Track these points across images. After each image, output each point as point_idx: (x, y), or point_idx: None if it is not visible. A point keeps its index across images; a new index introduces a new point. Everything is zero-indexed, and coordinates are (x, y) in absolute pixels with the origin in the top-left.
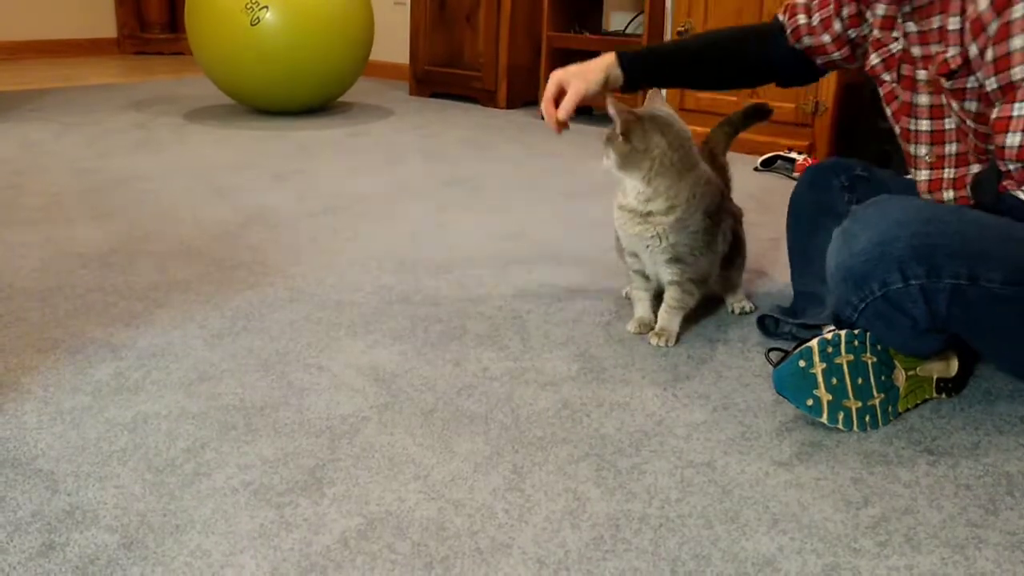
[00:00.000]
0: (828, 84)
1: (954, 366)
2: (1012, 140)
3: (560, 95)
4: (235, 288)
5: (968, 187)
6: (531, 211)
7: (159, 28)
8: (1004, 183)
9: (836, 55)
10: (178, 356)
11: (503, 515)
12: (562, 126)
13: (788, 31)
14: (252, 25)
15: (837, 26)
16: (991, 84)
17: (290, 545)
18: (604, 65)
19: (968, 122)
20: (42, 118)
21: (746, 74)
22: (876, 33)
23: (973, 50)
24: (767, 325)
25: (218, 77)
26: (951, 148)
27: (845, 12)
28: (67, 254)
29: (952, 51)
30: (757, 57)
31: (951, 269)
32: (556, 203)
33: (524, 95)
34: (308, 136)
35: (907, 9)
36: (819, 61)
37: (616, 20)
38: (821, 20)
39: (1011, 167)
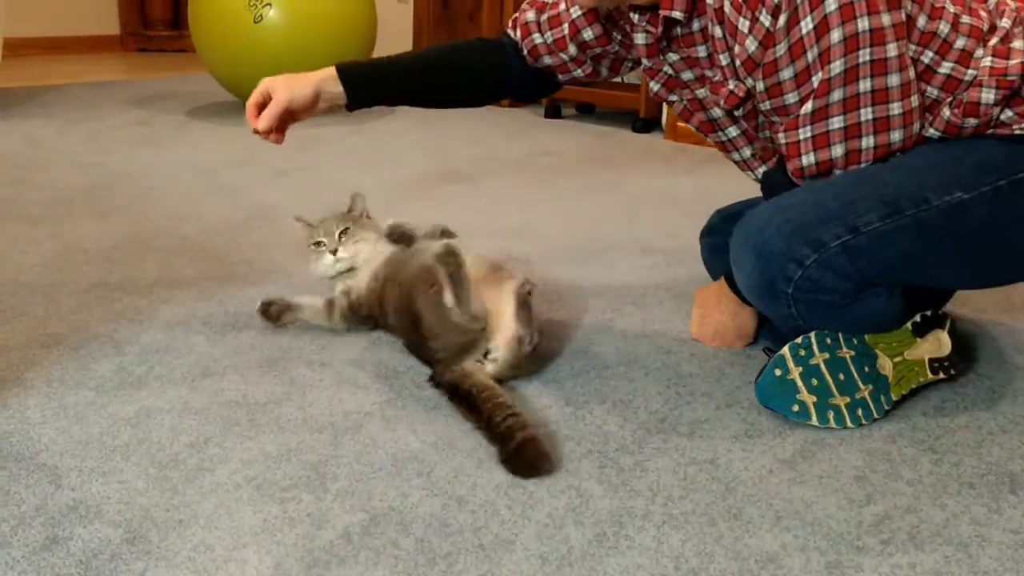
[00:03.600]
0: None
1: (946, 343)
2: (808, 160)
3: (264, 103)
4: (238, 285)
5: (762, 187)
6: (532, 208)
7: (162, 25)
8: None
9: (578, 72)
10: (181, 352)
11: (506, 511)
12: (268, 136)
13: (525, 51)
14: (255, 22)
15: (572, 49)
16: (765, 106)
17: (293, 540)
18: (317, 79)
19: (762, 133)
20: (45, 114)
21: (481, 90)
22: (646, 62)
23: (749, 82)
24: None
25: (221, 74)
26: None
27: (588, 35)
28: (70, 250)
29: (732, 84)
30: (493, 72)
31: (830, 233)
32: (557, 200)
33: None
34: (310, 133)
35: (663, 44)
36: (561, 78)
37: None
38: (555, 40)
39: (808, 181)
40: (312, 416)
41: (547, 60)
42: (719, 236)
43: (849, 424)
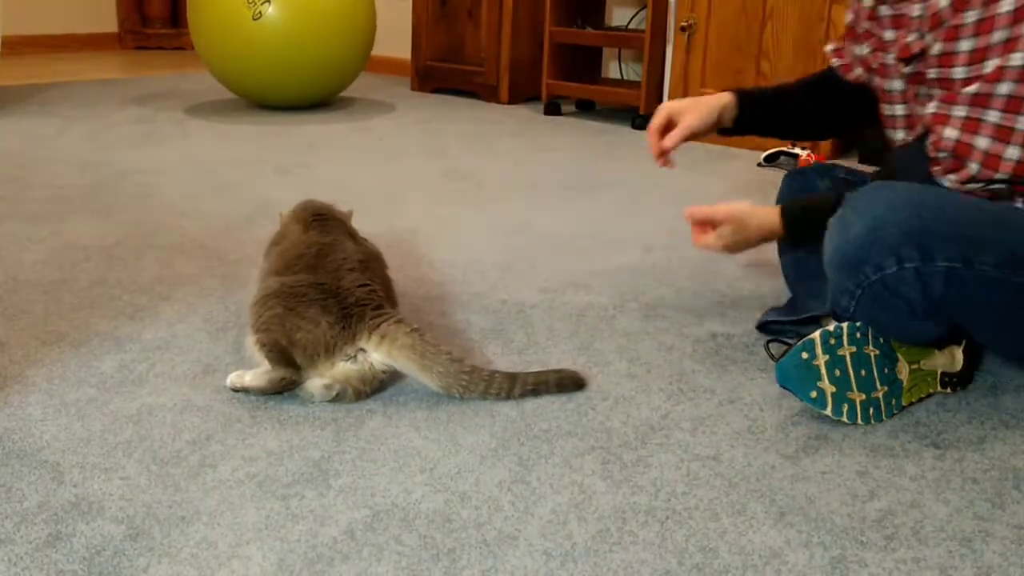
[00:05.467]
0: None
1: (959, 360)
2: (950, 133)
3: (668, 127)
4: (239, 282)
5: (894, 167)
6: (533, 205)
7: (160, 23)
8: (933, 168)
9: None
10: (182, 349)
11: (509, 507)
12: (666, 158)
13: (837, 66)
14: (254, 20)
15: (855, 49)
16: (931, 73)
17: (296, 536)
18: (720, 104)
19: (919, 109)
20: (45, 113)
21: (838, 116)
22: (864, 25)
23: (928, 39)
24: (770, 328)
25: (220, 72)
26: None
27: (860, 29)
28: (71, 247)
29: (912, 36)
30: (842, 96)
31: (945, 253)
32: (558, 197)
33: (526, 90)
34: (310, 131)
35: None
36: (875, 83)
37: (619, 15)
38: (855, 47)
39: (941, 155)
40: (314, 413)
41: (856, 71)
42: (806, 179)
43: (859, 421)
